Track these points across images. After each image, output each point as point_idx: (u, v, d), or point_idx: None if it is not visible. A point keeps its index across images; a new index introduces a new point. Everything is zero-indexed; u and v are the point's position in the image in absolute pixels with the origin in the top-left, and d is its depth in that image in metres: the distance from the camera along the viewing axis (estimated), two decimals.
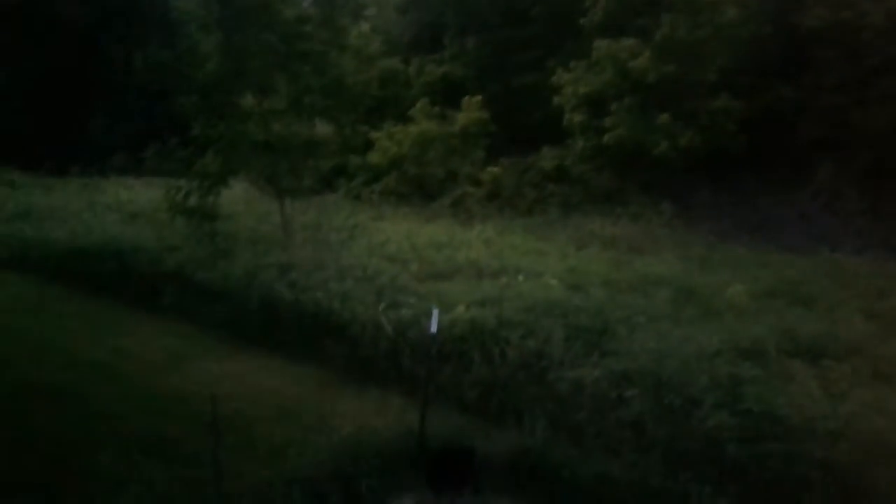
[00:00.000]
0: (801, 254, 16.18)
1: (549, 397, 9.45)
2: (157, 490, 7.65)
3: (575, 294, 11.94)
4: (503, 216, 19.99)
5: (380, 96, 24.40)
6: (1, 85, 28.59)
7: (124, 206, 20.09)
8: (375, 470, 8.38)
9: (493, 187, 21.67)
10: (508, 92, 24.40)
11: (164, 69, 16.33)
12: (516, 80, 24.36)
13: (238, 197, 19.32)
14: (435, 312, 9.38)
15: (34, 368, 11.19)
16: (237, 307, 12.94)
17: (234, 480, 7.69)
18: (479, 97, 23.26)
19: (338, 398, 10.30)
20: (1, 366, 11.34)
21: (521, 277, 12.84)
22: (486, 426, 9.36)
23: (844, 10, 18.95)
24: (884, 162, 18.32)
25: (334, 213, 19.09)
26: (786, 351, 9.91)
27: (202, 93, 16.07)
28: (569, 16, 23.10)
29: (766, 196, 19.31)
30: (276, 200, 17.16)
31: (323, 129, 17.41)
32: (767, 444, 7.96)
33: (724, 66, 20.42)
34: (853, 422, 8.05)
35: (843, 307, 12.07)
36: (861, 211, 18.24)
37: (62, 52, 29.01)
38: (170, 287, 14.08)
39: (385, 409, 9.88)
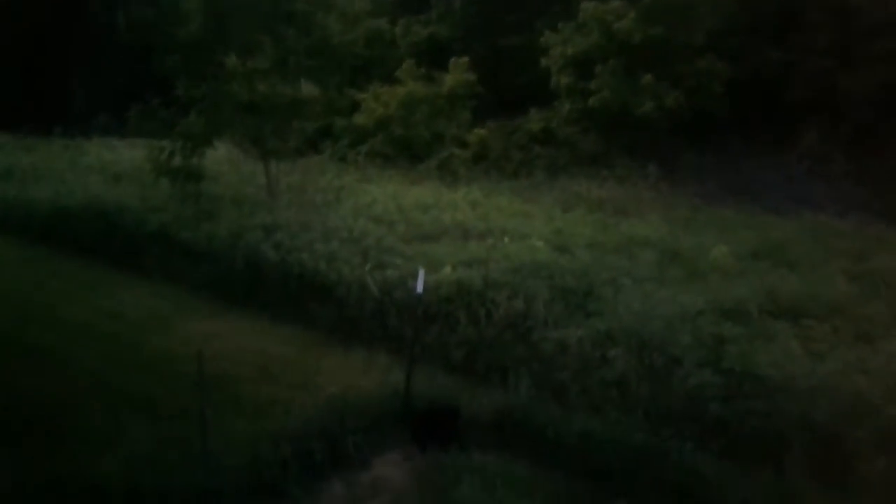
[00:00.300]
0: (786, 216, 16.28)
1: (533, 357, 9.54)
2: (143, 448, 7.69)
3: (561, 256, 12.01)
4: (489, 178, 19.94)
5: (366, 57, 24.16)
6: None
7: (107, 166, 19.90)
8: (361, 428, 8.48)
9: (480, 149, 21.57)
10: (496, 53, 24.17)
11: (146, 28, 16.11)
12: (504, 42, 24.12)
13: (222, 158, 19.20)
14: (421, 273, 9.43)
15: (18, 329, 11.13)
16: (222, 268, 12.91)
17: (221, 438, 7.72)
18: (465, 58, 23.05)
19: (323, 358, 10.35)
20: None
21: (507, 239, 12.88)
22: (471, 385, 9.44)
23: None
24: (870, 125, 18.35)
25: (320, 175, 18.99)
26: (768, 311, 10.04)
27: (185, 52, 15.88)
28: None
29: (752, 159, 19.33)
30: (260, 162, 17.05)
31: (308, 89, 17.25)
32: (748, 403, 8.09)
33: (712, 28, 20.31)
34: (833, 380, 8.16)
35: (826, 268, 12.19)
36: (845, 174, 18.30)
37: (43, 11, 28.49)
38: (154, 248, 14.03)
39: (371, 368, 9.96)
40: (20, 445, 7.94)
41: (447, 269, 11.10)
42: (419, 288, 9.36)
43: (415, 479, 8.02)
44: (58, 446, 7.94)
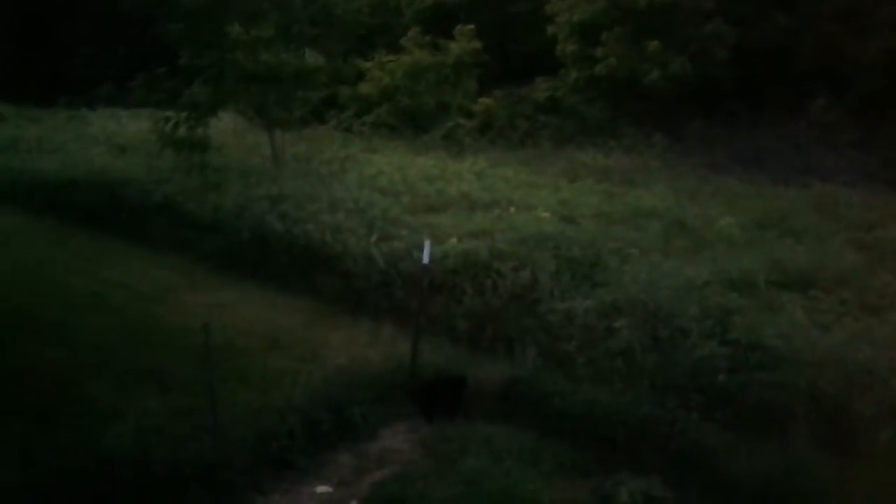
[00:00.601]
0: (793, 186, 16.18)
1: (540, 328, 9.55)
2: (152, 420, 7.74)
3: (567, 226, 12.00)
4: (495, 148, 19.82)
5: (370, 25, 23.96)
6: None
7: (112, 137, 19.87)
8: (368, 399, 8.53)
9: (486, 119, 21.42)
10: (501, 21, 23.92)
11: None
12: (510, 9, 23.87)
13: (227, 128, 19.12)
14: (427, 244, 9.41)
15: (25, 300, 11.16)
16: (228, 239, 12.93)
17: (229, 410, 7.77)
18: (471, 26, 22.84)
19: (330, 329, 10.37)
20: None
21: (513, 210, 12.86)
22: (477, 356, 9.48)
23: None
24: (878, 93, 18.17)
25: (325, 146, 18.91)
26: (775, 282, 10.02)
27: (188, 21, 15.75)
28: None
29: (760, 127, 19.18)
30: (265, 132, 16.98)
31: (313, 58, 17.13)
32: (755, 374, 8.08)
33: None
34: (839, 352, 8.16)
35: (833, 239, 12.15)
36: (854, 143, 18.15)
37: None
38: (160, 219, 14.05)
39: (377, 340, 9.98)
40: (28, 417, 7.97)
41: (453, 241, 11.10)
42: (425, 259, 9.36)
43: (422, 449, 8.07)
44: (66, 418, 7.98)
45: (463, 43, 22.61)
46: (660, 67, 19.55)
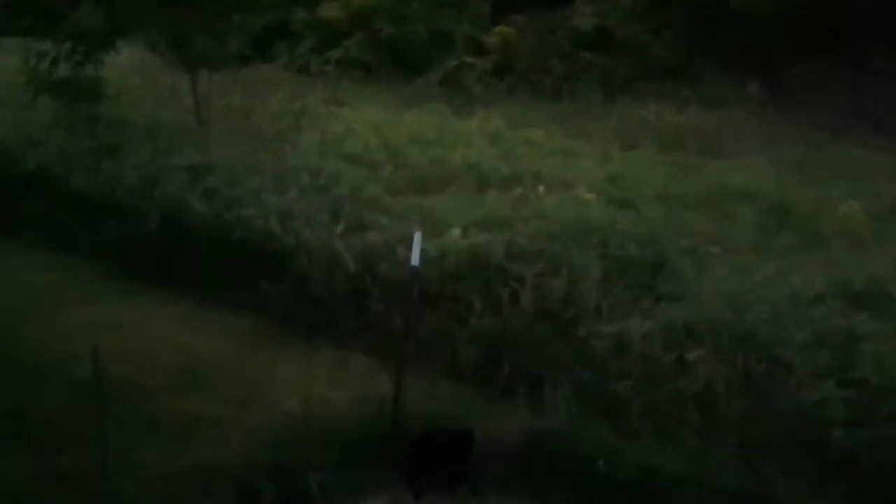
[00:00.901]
0: None
1: (578, 360, 9.57)
2: (16, 488, 7.75)
3: (620, 213, 12.07)
4: (517, 99, 19.97)
5: None
6: None
7: None
8: (330, 461, 8.52)
9: (504, 57, 21.53)
10: None
11: None
12: None
13: (129, 67, 19.16)
14: (417, 238, 9.41)
15: None
16: (130, 228, 12.97)
17: (128, 473, 7.79)
18: None
19: (277, 359, 10.39)
20: None
21: (541, 189, 12.92)
22: (488, 400, 9.54)
23: None
24: None
25: (271, 94, 18.99)
26: None
27: None
28: None
29: None
30: (185, 74, 17.01)
31: None
32: (888, 428, 8.10)
33: None
34: None
35: None
36: None
37: None
38: (32, 198, 14.09)
39: (344, 374, 10.02)
40: None
41: (455, 233, 11.12)
42: (414, 259, 9.36)
43: None
44: None
45: None
46: None
